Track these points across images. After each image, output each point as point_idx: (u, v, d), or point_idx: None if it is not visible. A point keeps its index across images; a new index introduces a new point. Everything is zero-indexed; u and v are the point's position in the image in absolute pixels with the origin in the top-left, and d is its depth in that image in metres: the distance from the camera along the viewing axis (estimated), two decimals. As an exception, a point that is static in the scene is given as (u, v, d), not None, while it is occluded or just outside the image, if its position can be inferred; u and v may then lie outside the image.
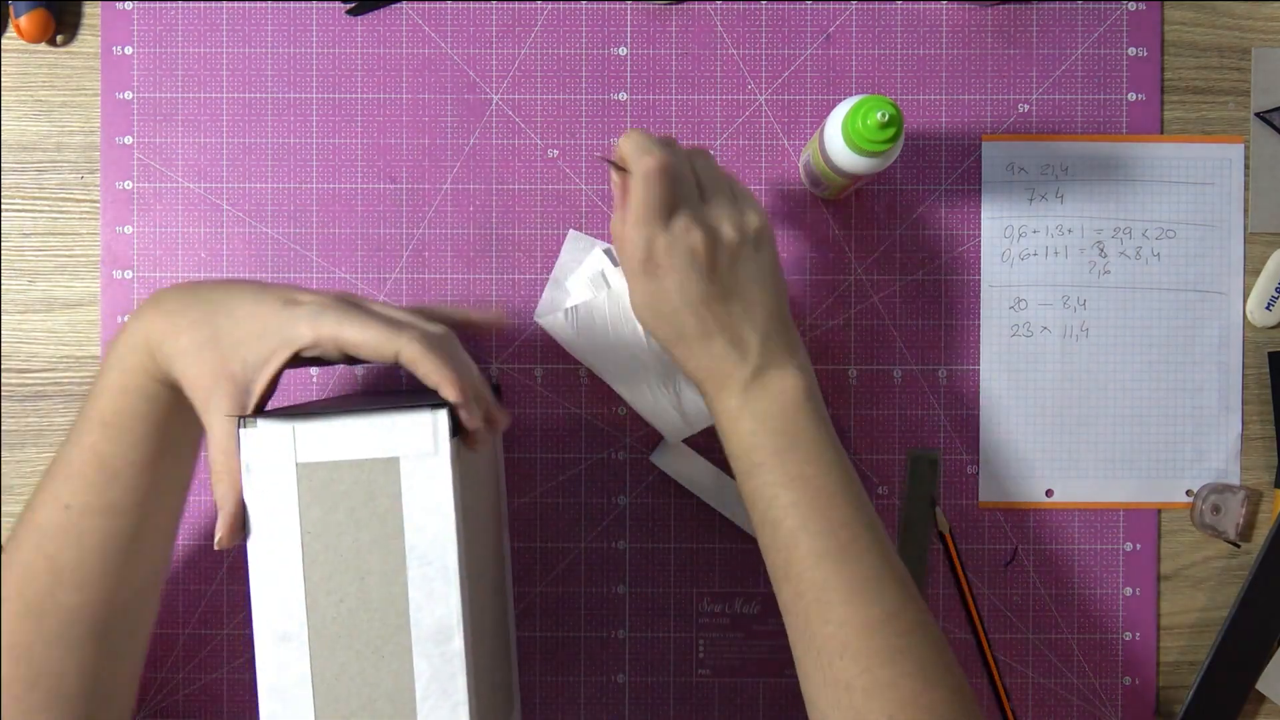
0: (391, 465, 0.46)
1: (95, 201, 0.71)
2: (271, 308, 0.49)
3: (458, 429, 0.48)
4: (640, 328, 0.69)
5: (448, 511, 0.46)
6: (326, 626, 0.46)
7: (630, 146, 0.54)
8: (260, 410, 0.47)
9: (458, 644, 0.46)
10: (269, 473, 0.46)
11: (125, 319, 0.54)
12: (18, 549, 0.53)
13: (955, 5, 0.71)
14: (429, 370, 0.47)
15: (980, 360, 0.71)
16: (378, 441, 0.46)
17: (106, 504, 0.53)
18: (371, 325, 0.48)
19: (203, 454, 0.63)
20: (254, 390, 0.47)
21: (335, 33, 0.71)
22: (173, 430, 0.54)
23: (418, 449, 0.46)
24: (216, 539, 0.47)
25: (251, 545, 0.46)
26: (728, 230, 0.55)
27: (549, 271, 0.71)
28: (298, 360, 0.49)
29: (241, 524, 0.47)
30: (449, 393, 0.47)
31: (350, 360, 0.50)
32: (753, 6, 0.71)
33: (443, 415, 0.46)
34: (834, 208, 0.71)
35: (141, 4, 0.71)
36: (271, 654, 0.46)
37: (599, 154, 0.67)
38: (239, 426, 0.45)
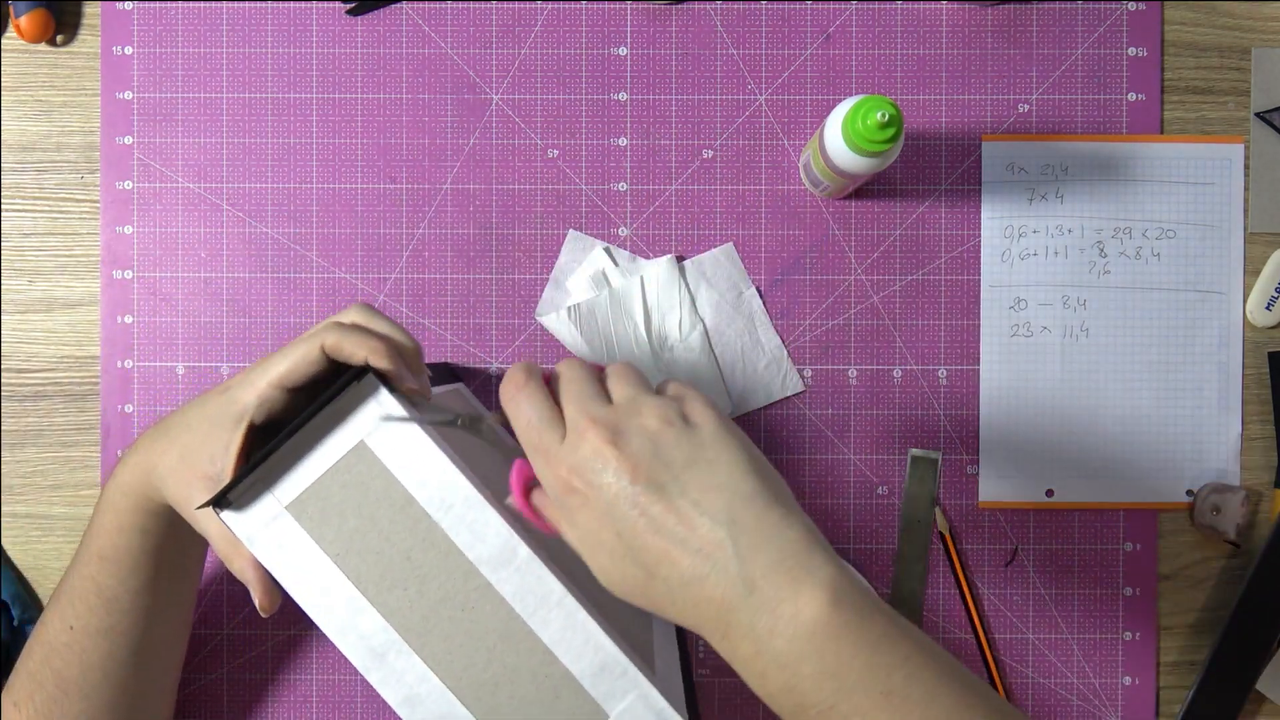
0: (362, 450, 0.46)
1: (95, 201, 0.71)
2: (213, 401, 0.50)
3: (394, 387, 0.48)
4: (641, 324, 0.69)
5: (435, 454, 0.46)
6: (409, 618, 0.46)
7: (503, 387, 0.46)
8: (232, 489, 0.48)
9: (524, 551, 0.46)
10: (269, 533, 0.46)
11: (121, 454, 0.56)
12: (29, 658, 0.58)
13: (955, 5, 0.71)
14: (353, 348, 0.47)
15: (980, 360, 0.71)
16: (336, 441, 0.46)
17: (107, 626, 0.56)
18: (291, 348, 0.49)
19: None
20: (225, 479, 0.49)
21: (335, 33, 0.71)
22: (168, 557, 0.57)
23: (372, 422, 0.46)
24: (259, 608, 0.49)
25: (298, 597, 0.46)
26: (641, 419, 0.42)
27: (549, 271, 0.71)
28: (262, 435, 0.50)
29: (272, 585, 0.49)
30: (377, 361, 0.47)
31: (302, 404, 0.51)
32: (753, 6, 0.71)
33: (370, 380, 0.46)
34: (834, 208, 0.71)
35: (141, 4, 0.71)
36: (381, 674, 0.46)
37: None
38: (219, 514, 0.46)
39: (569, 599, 0.46)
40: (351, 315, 0.51)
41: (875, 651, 0.39)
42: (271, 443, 0.45)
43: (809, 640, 0.38)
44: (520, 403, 0.44)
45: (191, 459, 0.50)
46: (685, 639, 0.67)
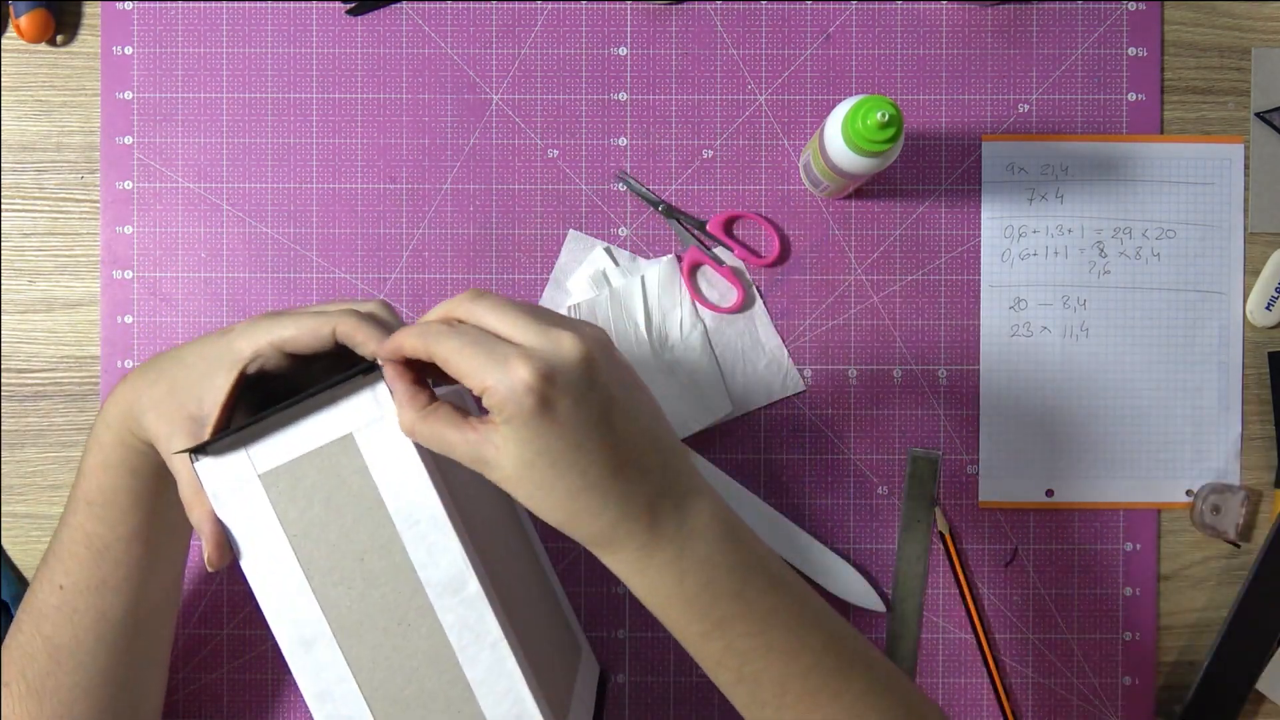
0: (347, 442, 0.46)
1: (95, 201, 0.71)
2: (212, 343, 0.50)
3: None
4: (642, 324, 0.69)
5: (416, 466, 0.46)
6: (346, 617, 0.46)
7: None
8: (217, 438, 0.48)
9: (474, 586, 0.46)
10: (235, 493, 0.46)
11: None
12: (19, 631, 0.56)
13: (955, 5, 0.71)
14: (365, 338, 0.47)
15: (980, 360, 0.71)
16: (325, 425, 0.46)
17: (98, 581, 0.55)
18: (303, 316, 0.49)
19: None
20: (209, 423, 0.48)
21: (335, 33, 0.71)
22: (159, 504, 0.55)
23: (365, 418, 0.46)
24: (206, 561, 0.48)
25: (246, 565, 0.46)
26: (563, 353, 0.43)
27: (549, 271, 0.71)
28: (253, 385, 0.50)
29: (224, 541, 0.47)
30: (386, 365, 0.46)
31: (297, 369, 0.51)
32: (753, 6, 0.71)
33: (377, 376, 0.46)
34: (834, 208, 0.71)
35: (141, 4, 0.71)
36: (304, 662, 0.46)
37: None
38: (192, 462, 0.46)
39: (503, 645, 0.46)
40: (370, 307, 0.50)
41: (759, 546, 0.48)
42: (264, 412, 0.45)
43: (724, 540, 0.46)
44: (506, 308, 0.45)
45: (180, 395, 0.49)
46: (604, 706, 0.67)
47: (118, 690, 0.57)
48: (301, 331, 0.48)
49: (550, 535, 0.71)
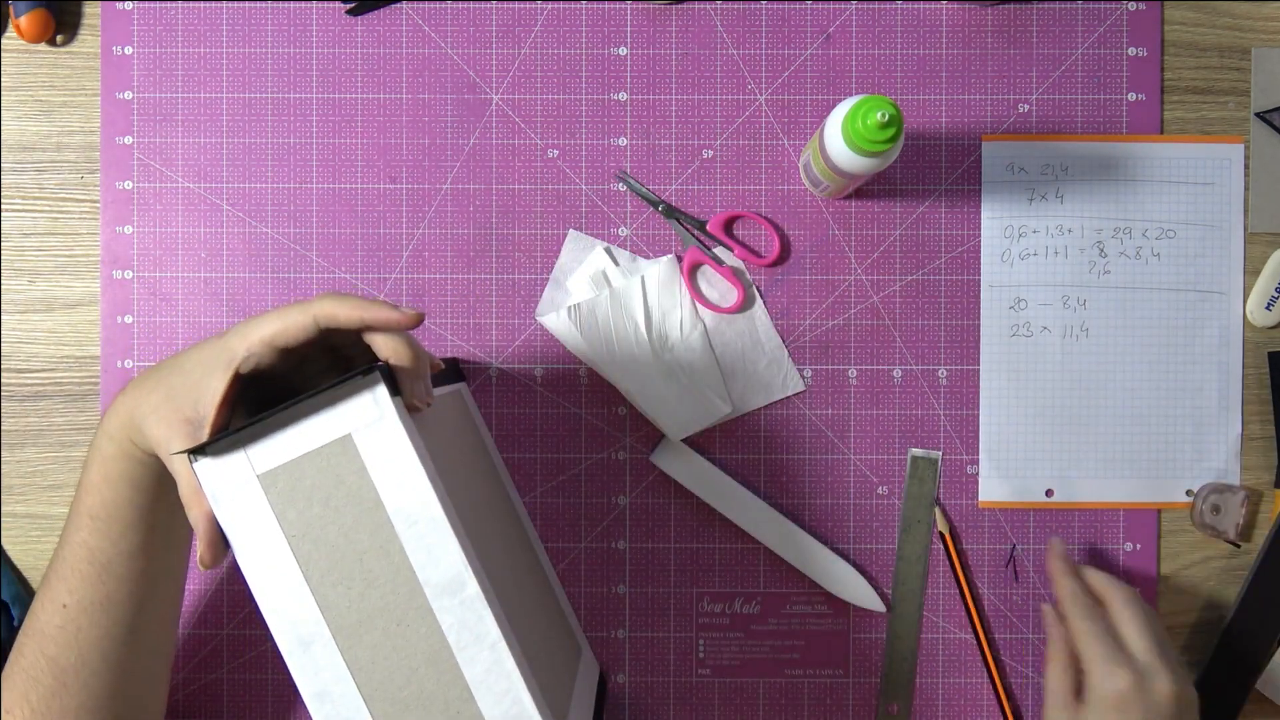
0: (346, 443, 0.46)
1: (95, 201, 0.71)
2: (208, 346, 0.50)
3: (396, 389, 0.48)
4: (642, 324, 0.69)
5: (415, 467, 0.46)
6: (345, 617, 0.46)
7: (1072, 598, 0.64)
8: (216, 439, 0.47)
9: (473, 588, 0.46)
10: (234, 494, 0.46)
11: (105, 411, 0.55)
12: (20, 655, 0.55)
13: (955, 5, 0.71)
14: (349, 312, 0.47)
15: (980, 360, 0.71)
16: (324, 426, 0.46)
17: (102, 598, 0.55)
18: (288, 309, 0.49)
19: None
20: (205, 424, 0.48)
21: (335, 33, 0.71)
22: (160, 520, 0.55)
23: (364, 419, 0.46)
24: (199, 560, 0.48)
25: (244, 566, 0.46)
26: (1157, 687, 0.59)
27: (549, 271, 0.71)
28: (251, 387, 0.50)
29: (218, 541, 0.47)
30: (398, 361, 0.46)
31: (293, 369, 0.51)
32: (753, 6, 0.71)
33: (376, 377, 0.46)
34: (834, 208, 0.71)
35: (141, 4, 0.71)
36: (302, 662, 0.46)
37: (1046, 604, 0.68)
38: (191, 462, 0.46)
39: (501, 645, 0.46)
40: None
41: None
42: (263, 414, 0.45)
43: None
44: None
45: (177, 400, 0.49)
46: (604, 706, 0.67)
47: (121, 708, 0.57)
48: (287, 324, 0.48)
49: (550, 535, 0.71)
